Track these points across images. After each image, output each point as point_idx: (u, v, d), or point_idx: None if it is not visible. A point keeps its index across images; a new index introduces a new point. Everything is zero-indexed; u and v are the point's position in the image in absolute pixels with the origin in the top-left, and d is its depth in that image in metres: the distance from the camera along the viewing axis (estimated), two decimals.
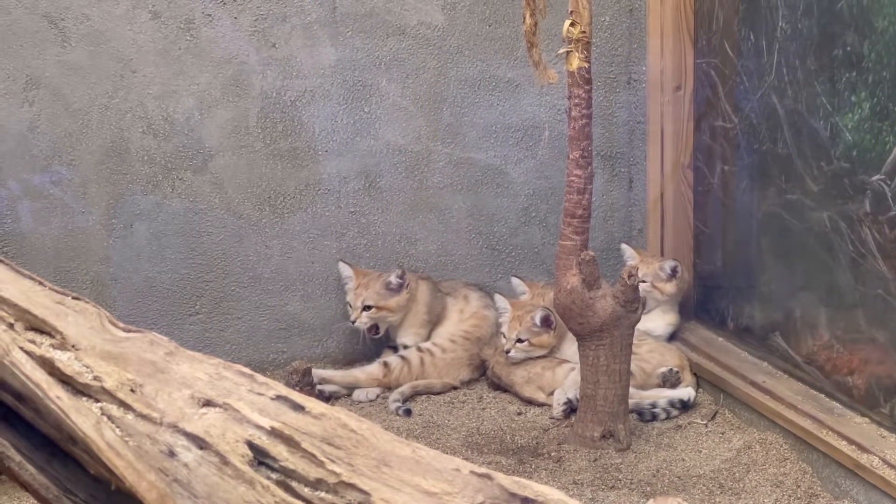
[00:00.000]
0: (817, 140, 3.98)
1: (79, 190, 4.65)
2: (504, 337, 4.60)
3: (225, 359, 2.36)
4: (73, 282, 4.63)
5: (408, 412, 4.43)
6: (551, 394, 4.51)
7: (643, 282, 4.62)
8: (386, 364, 4.68)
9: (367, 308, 4.70)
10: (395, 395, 4.54)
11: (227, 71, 4.70)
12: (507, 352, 4.55)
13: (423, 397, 4.61)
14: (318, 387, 4.51)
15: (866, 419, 3.81)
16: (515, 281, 4.86)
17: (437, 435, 4.23)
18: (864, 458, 3.59)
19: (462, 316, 4.85)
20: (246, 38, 4.70)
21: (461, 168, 4.97)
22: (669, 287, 4.74)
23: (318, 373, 4.59)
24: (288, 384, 4.28)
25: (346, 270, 4.79)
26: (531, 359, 4.58)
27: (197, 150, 4.72)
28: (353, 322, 4.72)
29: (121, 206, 4.69)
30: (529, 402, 4.54)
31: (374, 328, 4.77)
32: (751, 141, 4.44)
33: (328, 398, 4.52)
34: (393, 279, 4.70)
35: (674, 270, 4.73)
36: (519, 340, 4.53)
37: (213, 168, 4.74)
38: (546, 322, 4.51)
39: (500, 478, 2.08)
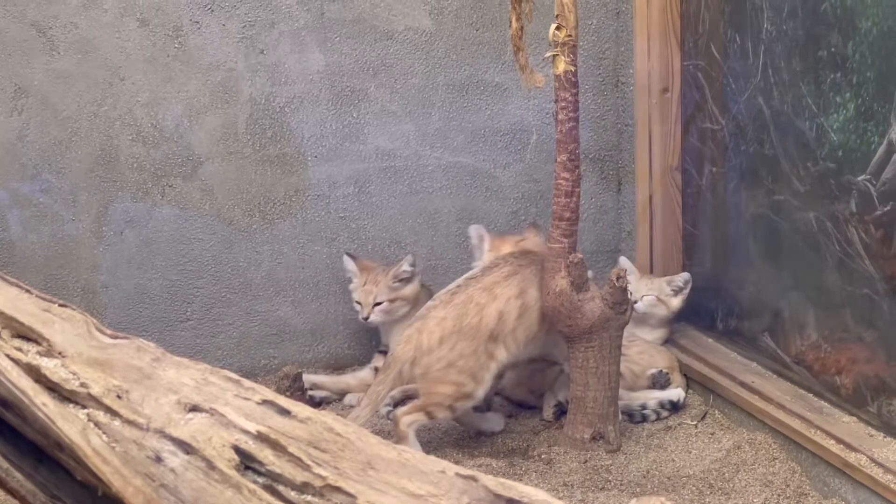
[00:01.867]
0: (803, 141, 4.00)
1: (68, 198, 4.66)
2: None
3: (216, 365, 2.37)
4: (63, 289, 4.64)
5: None
6: (541, 396, 4.52)
7: (648, 296, 4.63)
8: (377, 369, 4.68)
9: (378, 304, 4.69)
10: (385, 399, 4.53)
11: (216, 77, 4.71)
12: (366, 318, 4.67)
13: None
14: (309, 392, 4.52)
15: (854, 418, 3.83)
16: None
17: (427, 438, 4.24)
18: (852, 457, 3.60)
19: None
20: (234, 44, 4.71)
21: (450, 172, 4.98)
22: (676, 302, 4.72)
23: (309, 378, 4.59)
24: (279, 389, 4.31)
25: (350, 265, 4.76)
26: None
27: (186, 156, 4.73)
28: (366, 319, 4.68)
29: (111, 213, 4.70)
30: (520, 404, 4.55)
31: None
32: (738, 142, 4.46)
33: (319, 403, 4.53)
34: (406, 267, 4.69)
35: (686, 283, 4.70)
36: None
37: (203, 174, 4.75)
38: None
39: (486, 479, 2.10)
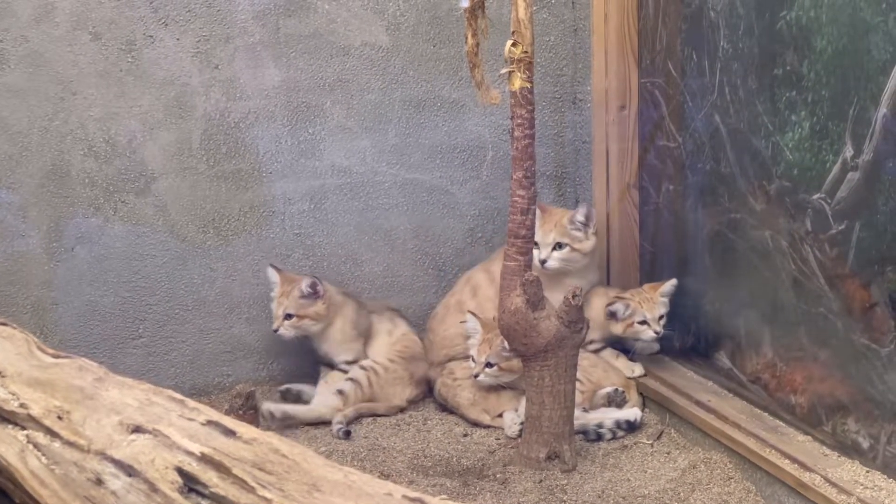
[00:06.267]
0: (759, 159, 4.00)
1: (19, 213, 4.60)
2: (473, 360, 4.52)
3: (169, 383, 2.34)
4: (13, 306, 4.58)
5: (347, 434, 4.39)
6: (499, 416, 4.49)
7: (643, 323, 4.59)
8: (341, 392, 4.62)
9: (288, 317, 4.66)
10: (338, 416, 4.49)
11: (170, 92, 4.67)
12: (476, 375, 4.48)
13: (369, 419, 4.58)
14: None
15: (809, 437, 3.83)
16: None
17: (382, 457, 4.20)
18: (806, 477, 3.60)
19: (391, 338, 4.82)
20: (188, 59, 4.67)
21: (406, 189, 4.96)
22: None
23: (282, 408, 4.51)
24: (231, 408, 4.28)
25: (273, 276, 4.72)
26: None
27: (139, 172, 4.68)
28: (276, 330, 4.67)
29: (62, 229, 4.64)
30: (475, 424, 4.52)
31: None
32: (695, 160, 4.46)
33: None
34: (303, 287, 4.65)
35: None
36: (489, 365, 4.45)
37: (157, 190, 4.71)
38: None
39: (434, 501, 2.07)
